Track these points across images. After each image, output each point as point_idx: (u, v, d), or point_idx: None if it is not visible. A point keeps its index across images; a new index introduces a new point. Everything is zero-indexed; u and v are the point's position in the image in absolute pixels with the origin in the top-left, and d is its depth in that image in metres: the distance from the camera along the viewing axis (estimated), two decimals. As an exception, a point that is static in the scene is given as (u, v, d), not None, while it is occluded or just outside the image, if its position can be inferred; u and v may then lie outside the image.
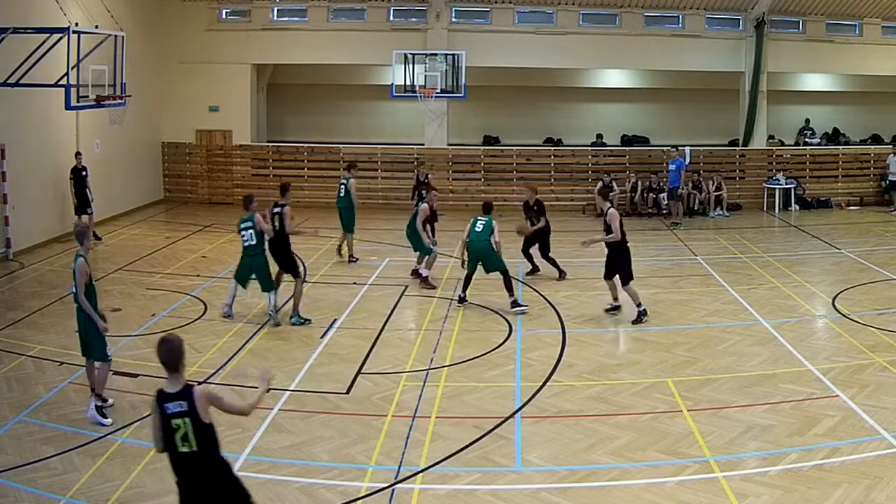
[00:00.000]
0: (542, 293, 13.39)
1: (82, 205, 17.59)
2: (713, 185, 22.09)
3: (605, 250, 12.17)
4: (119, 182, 20.66)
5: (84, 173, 17.66)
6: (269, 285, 11.85)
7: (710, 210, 21.94)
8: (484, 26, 22.79)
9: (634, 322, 11.67)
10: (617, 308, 12.19)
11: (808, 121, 24.83)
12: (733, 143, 24.00)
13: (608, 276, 12.03)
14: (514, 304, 12.30)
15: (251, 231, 11.71)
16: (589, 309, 12.58)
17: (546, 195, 22.11)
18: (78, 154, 17.78)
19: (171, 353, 5.26)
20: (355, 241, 16.25)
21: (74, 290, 8.48)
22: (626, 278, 11.74)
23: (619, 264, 11.78)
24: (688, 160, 21.87)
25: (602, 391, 9.25)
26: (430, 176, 19.25)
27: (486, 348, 10.70)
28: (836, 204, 22.96)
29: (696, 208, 21.91)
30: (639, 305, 11.76)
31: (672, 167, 20.39)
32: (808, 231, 19.34)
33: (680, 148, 21.50)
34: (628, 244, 11.89)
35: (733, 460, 7.45)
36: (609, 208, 11.90)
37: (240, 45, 22.79)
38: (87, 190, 17.60)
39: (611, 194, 12.68)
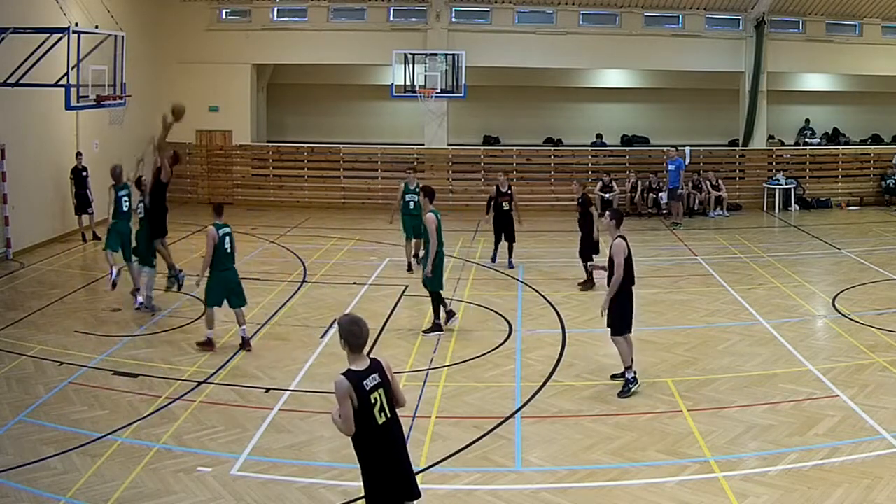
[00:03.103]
0: (542, 293, 13.38)
1: (82, 205, 17.61)
2: (710, 183, 22.09)
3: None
4: (119, 182, 20.63)
5: (84, 173, 17.68)
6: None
7: (710, 210, 21.94)
8: (484, 26, 22.79)
9: (621, 395, 8.99)
10: (633, 383, 9.15)
11: (808, 121, 24.83)
12: (733, 143, 24.00)
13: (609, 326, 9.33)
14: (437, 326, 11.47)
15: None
16: (589, 309, 12.56)
17: (546, 195, 22.25)
18: (79, 154, 17.79)
19: (365, 332, 5.34)
20: (356, 240, 16.25)
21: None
22: (618, 327, 9.11)
23: (613, 309, 9.10)
24: (688, 160, 21.88)
25: (602, 391, 9.25)
26: (512, 186, 15.77)
27: (486, 348, 10.70)
28: (837, 204, 22.96)
29: (695, 208, 21.90)
30: (628, 369, 9.06)
31: (672, 167, 20.40)
32: (808, 231, 19.34)
33: (680, 148, 21.51)
34: (633, 287, 9.23)
35: (733, 460, 7.45)
36: (616, 237, 9.17)
37: (240, 45, 22.79)
38: (88, 190, 17.61)
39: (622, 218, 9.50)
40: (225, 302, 10.42)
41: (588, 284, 13.69)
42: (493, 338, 11.14)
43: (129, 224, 12.61)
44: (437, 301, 11.45)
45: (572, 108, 24.98)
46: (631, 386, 9.08)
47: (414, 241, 14.97)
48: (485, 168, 22.97)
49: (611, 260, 9.09)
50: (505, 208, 15.16)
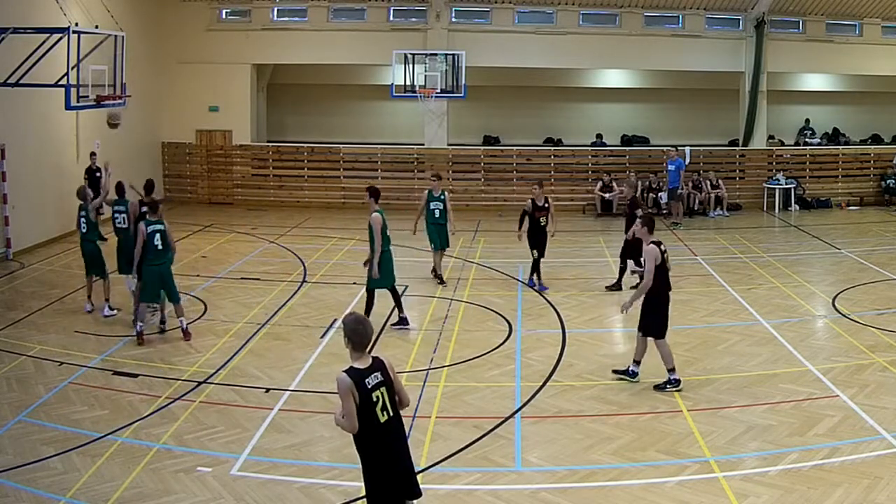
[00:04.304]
0: (542, 293, 13.38)
1: None
2: (710, 183, 22.11)
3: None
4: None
5: (98, 174, 17.58)
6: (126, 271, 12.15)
7: (710, 210, 21.94)
8: (484, 26, 22.79)
9: (658, 387, 9.17)
10: (631, 375, 9.48)
11: (808, 121, 24.83)
12: (733, 143, 24.00)
13: (640, 328, 9.43)
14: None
15: (124, 215, 12.53)
16: (589, 309, 12.57)
17: (546, 195, 22.21)
18: (93, 154, 17.71)
19: (369, 331, 5.37)
20: (356, 240, 16.17)
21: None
22: (651, 330, 9.29)
23: (648, 313, 9.24)
24: (688, 160, 21.90)
25: (602, 391, 9.25)
26: (549, 199, 13.76)
27: (486, 348, 10.70)
28: (837, 204, 22.95)
29: (695, 208, 21.91)
30: (671, 371, 9.21)
31: (672, 167, 20.42)
32: (808, 231, 19.33)
33: (679, 148, 21.51)
34: (670, 292, 9.34)
35: (733, 460, 7.45)
36: (650, 243, 9.22)
37: (240, 45, 22.79)
38: (102, 189, 17.51)
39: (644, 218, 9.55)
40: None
41: (616, 287, 13.48)
42: (493, 338, 11.14)
43: (91, 243, 12.37)
44: (371, 300, 11.40)
45: (572, 108, 24.98)
46: (670, 387, 9.12)
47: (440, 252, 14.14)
48: (485, 168, 22.98)
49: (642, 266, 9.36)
50: (542, 224, 13.42)
